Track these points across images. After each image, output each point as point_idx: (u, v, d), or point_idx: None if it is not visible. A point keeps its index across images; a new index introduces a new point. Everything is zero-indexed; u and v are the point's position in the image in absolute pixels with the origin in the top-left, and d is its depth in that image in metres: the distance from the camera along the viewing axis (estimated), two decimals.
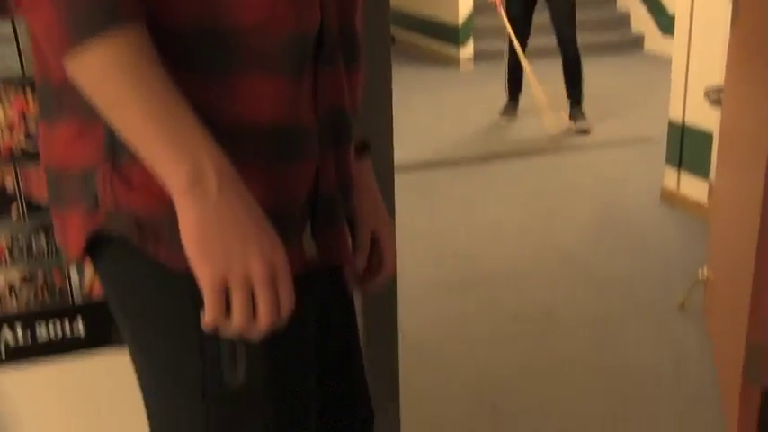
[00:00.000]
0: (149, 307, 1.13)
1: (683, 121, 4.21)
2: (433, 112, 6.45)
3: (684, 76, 4.19)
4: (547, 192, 4.78)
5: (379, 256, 1.36)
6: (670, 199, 4.37)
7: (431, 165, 5.18)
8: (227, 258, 0.95)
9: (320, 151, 1.14)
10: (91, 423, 1.64)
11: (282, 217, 1.08)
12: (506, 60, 5.92)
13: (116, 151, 1.02)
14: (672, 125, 4.32)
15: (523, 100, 6.04)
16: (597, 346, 3.11)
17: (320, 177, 1.14)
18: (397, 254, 1.79)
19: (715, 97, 3.34)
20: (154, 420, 1.22)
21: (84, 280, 1.58)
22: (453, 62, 8.23)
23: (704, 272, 3.23)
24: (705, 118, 3.97)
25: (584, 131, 5.66)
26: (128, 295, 1.16)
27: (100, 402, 1.64)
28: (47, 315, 1.57)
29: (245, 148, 1.05)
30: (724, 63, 3.01)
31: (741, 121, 2.72)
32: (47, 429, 1.63)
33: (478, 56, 8.12)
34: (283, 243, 1.03)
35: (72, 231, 1.10)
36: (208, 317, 0.97)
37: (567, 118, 5.72)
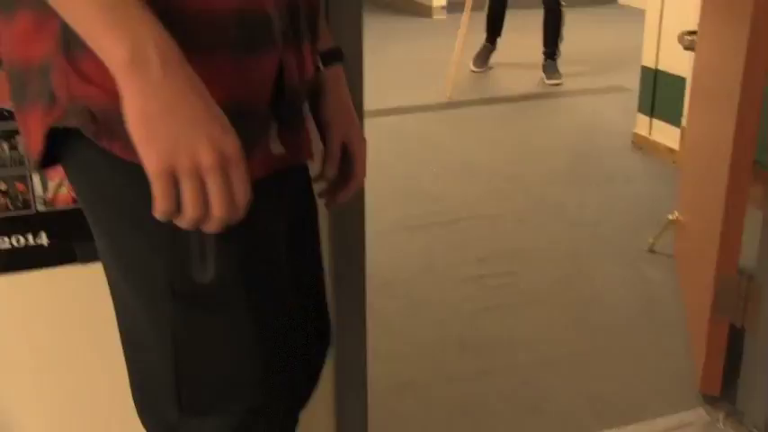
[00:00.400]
0: (115, 204, 1.10)
1: (656, 67, 4.20)
2: (404, 61, 6.39)
3: (658, 21, 4.17)
4: (517, 136, 4.76)
5: (350, 165, 1.33)
6: (641, 145, 4.37)
7: (401, 110, 5.14)
8: (174, 145, 0.91)
9: (282, 46, 1.10)
10: (56, 335, 1.60)
11: (248, 113, 1.05)
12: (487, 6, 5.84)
13: (70, 43, 0.97)
14: (645, 71, 4.30)
15: (497, 53, 5.99)
16: (566, 283, 3.11)
17: (284, 74, 1.11)
18: (365, 193, 1.77)
19: (688, 41, 3.31)
20: (122, 320, 1.20)
21: (47, 190, 1.53)
22: (426, 12, 8.14)
23: (675, 215, 3.23)
24: (678, 63, 3.95)
25: (557, 86, 5.63)
26: (94, 193, 1.12)
27: (64, 316, 1.60)
28: (9, 224, 1.52)
29: (211, 37, 1.01)
30: (698, 10, 2.99)
31: (714, 65, 2.71)
32: (9, 341, 1.59)
33: (451, 6, 8.03)
34: (250, 141, 0.99)
35: (33, 130, 1.06)
36: (156, 207, 0.92)
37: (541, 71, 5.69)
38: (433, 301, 3.00)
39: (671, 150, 4.15)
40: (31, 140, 1.07)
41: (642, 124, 4.36)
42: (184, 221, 0.94)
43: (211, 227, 0.95)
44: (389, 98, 5.21)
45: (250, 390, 1.15)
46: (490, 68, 5.92)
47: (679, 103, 3.99)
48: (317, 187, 1.34)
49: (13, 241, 1.53)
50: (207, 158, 0.92)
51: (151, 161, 0.91)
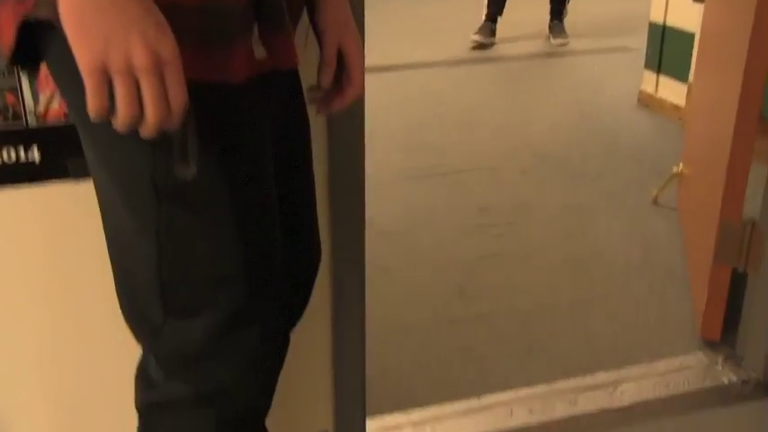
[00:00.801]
0: None
1: (665, 23, 4.14)
2: (407, 21, 6.33)
3: None
4: (522, 94, 4.72)
5: (346, 72, 1.31)
6: (647, 102, 4.33)
7: (404, 66, 5.09)
8: (106, 43, 0.89)
9: None
10: (47, 251, 1.58)
11: (222, 11, 1.03)
12: None
13: None
14: (652, 27, 4.25)
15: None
16: (567, 234, 3.09)
17: None
18: (366, 145, 1.75)
19: None
20: (109, 226, 1.18)
21: (38, 103, 1.50)
22: None
23: (679, 167, 3.20)
24: (686, 19, 3.90)
25: (563, 46, 5.54)
26: (75, 91, 1.10)
27: (56, 232, 1.58)
28: (0, 137, 1.50)
29: None
30: None
31: (722, 19, 2.66)
32: None
33: None
34: (226, 40, 0.98)
35: (5, 23, 1.04)
36: (89, 105, 0.91)
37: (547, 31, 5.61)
38: (432, 250, 2.99)
39: (677, 107, 4.11)
40: (4, 34, 1.04)
41: (648, 81, 4.32)
42: (118, 122, 0.93)
43: (146, 130, 0.94)
44: (392, 54, 5.17)
45: (233, 289, 1.14)
46: (494, 44, 5.55)
47: (687, 59, 3.94)
48: (311, 95, 1.32)
49: (5, 155, 1.50)
50: (140, 58, 0.90)
51: (83, 58, 0.90)
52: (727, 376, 2.30)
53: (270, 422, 1.64)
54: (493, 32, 5.49)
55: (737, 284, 2.38)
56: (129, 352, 1.28)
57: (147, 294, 1.16)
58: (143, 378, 1.24)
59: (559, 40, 5.57)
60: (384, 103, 4.29)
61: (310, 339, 1.86)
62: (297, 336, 1.71)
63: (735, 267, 2.35)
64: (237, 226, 1.12)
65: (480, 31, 5.46)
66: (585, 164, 3.70)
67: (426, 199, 3.37)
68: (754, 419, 2.14)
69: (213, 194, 1.10)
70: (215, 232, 1.13)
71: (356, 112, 1.71)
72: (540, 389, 2.27)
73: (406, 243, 3.03)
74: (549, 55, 5.51)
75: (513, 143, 3.96)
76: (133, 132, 1.02)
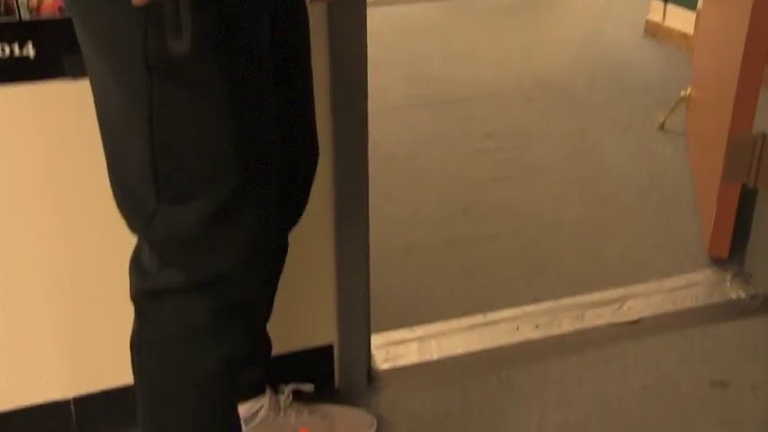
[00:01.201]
0: None
1: None
2: None
3: None
4: (526, 27, 4.64)
5: None
6: (654, 31, 4.26)
7: (408, 0, 5.00)
8: None
9: None
10: (41, 150, 1.55)
11: None
12: None
13: None
14: None
15: None
16: (573, 158, 3.05)
17: None
18: (368, 77, 1.70)
19: None
20: (103, 113, 1.17)
21: None
22: None
23: (687, 90, 3.15)
24: None
25: None
26: None
27: (51, 131, 1.55)
28: None
29: None
30: None
31: None
32: None
33: None
34: None
35: None
36: None
37: None
38: (437, 173, 2.95)
39: (685, 36, 4.04)
40: None
41: (656, 10, 4.24)
42: None
43: None
44: None
45: (226, 174, 1.12)
46: None
47: None
48: None
49: None
50: None
51: None
52: (735, 292, 2.28)
53: (275, 335, 1.63)
54: None
55: (745, 203, 2.34)
56: (126, 246, 1.26)
57: (140, 181, 1.13)
58: (137, 268, 1.22)
59: None
60: (387, 36, 4.22)
61: (314, 253, 1.83)
62: (300, 249, 1.70)
63: (744, 184, 2.31)
64: (231, 107, 1.09)
65: None
66: (591, 92, 3.65)
67: (430, 125, 3.32)
68: (763, 333, 2.12)
69: (206, 73, 1.07)
70: (208, 113, 1.10)
71: (359, 41, 1.66)
72: (546, 305, 2.25)
73: (409, 167, 2.99)
74: None
75: (516, 73, 3.90)
76: (123, 7, 0.99)
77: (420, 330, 2.16)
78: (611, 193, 2.80)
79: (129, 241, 1.26)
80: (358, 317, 1.91)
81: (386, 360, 2.05)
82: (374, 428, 1.80)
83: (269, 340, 1.67)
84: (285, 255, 1.56)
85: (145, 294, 1.21)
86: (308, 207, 1.72)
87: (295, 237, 1.66)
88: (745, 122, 2.23)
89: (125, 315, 1.28)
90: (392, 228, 2.60)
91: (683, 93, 3.17)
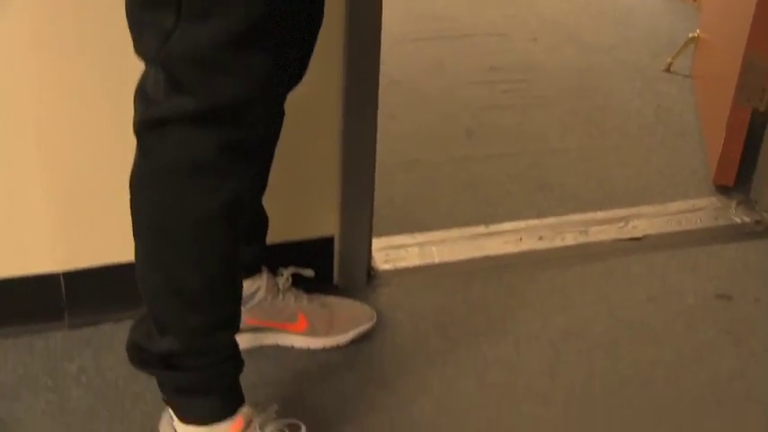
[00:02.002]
0: None
1: None
2: None
3: None
4: None
5: None
6: None
7: None
8: None
9: None
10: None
11: None
12: None
13: None
14: None
15: None
16: (579, 92, 3.01)
17: None
18: None
19: None
20: None
21: None
22: None
23: (696, 32, 3.11)
24: None
25: None
26: None
27: None
28: None
29: None
30: None
31: None
32: None
33: None
34: None
35: None
36: None
37: None
38: (440, 97, 2.90)
39: None
40: None
41: None
42: None
43: None
44: None
45: None
46: None
47: None
48: None
49: None
50: None
51: None
52: (739, 217, 2.26)
53: (276, 224, 1.59)
54: None
55: (753, 132, 2.31)
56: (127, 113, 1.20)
57: None
58: (142, 97, 1.17)
59: None
60: None
61: (319, 145, 1.79)
62: (306, 138, 1.66)
63: (755, 109, 2.27)
64: None
65: None
66: (597, 35, 3.60)
67: (434, 57, 3.27)
68: (767, 255, 2.09)
69: None
70: None
71: None
72: (550, 220, 2.22)
73: (413, 91, 2.94)
74: None
75: (522, 14, 3.84)
76: None
77: (421, 237, 2.12)
78: (617, 125, 2.76)
79: (129, 107, 1.20)
80: (361, 209, 1.87)
81: (386, 261, 2.01)
82: (374, 321, 1.77)
83: (265, 216, 1.63)
84: (282, 120, 1.51)
85: (148, 124, 1.15)
86: (316, 94, 1.68)
87: (301, 126, 1.63)
88: (763, 41, 2.19)
89: (122, 192, 1.22)
90: (395, 143, 2.55)
91: (690, 35, 3.12)
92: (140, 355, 1.31)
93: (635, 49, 3.39)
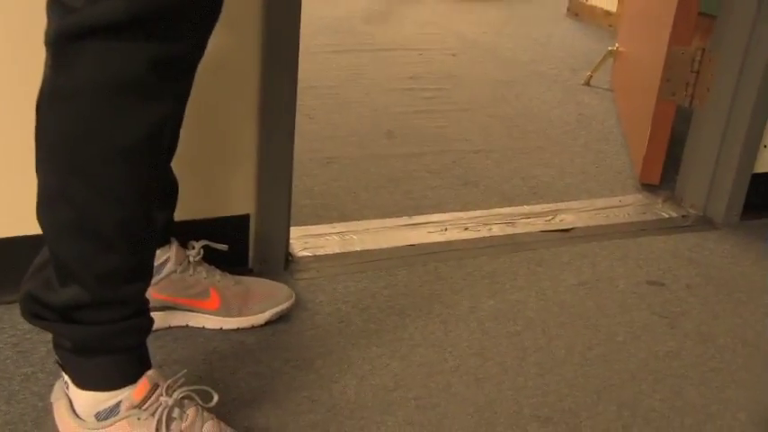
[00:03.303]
0: None
1: None
2: None
3: None
4: None
5: None
6: (577, 11, 4.26)
7: None
8: None
9: None
10: None
11: None
12: None
13: None
14: None
15: None
16: (499, 100, 2.97)
17: None
18: None
19: None
20: None
21: None
22: None
23: (615, 46, 3.12)
24: None
25: None
26: None
27: None
28: None
29: None
30: None
31: None
32: None
33: None
34: None
35: None
36: None
37: None
38: (360, 102, 2.82)
39: (608, 13, 4.04)
40: None
41: None
42: None
43: None
44: None
45: None
46: None
47: None
48: None
49: None
50: None
51: None
52: (666, 212, 2.21)
53: (188, 201, 1.46)
54: None
55: (674, 133, 2.28)
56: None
57: None
58: (58, 4, 1.00)
59: None
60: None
61: (237, 122, 1.67)
62: (224, 113, 1.54)
63: (680, 104, 2.24)
64: None
65: None
66: (515, 52, 3.60)
67: (352, 68, 3.20)
68: (696, 243, 2.05)
69: None
70: None
71: None
72: (476, 213, 2.13)
73: (331, 95, 2.86)
74: None
75: (440, 33, 3.83)
76: None
77: (341, 226, 2.01)
78: (539, 129, 2.72)
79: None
80: (279, 187, 1.75)
81: (304, 249, 1.89)
82: (292, 301, 1.64)
83: (175, 181, 1.50)
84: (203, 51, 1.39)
85: (66, 35, 0.99)
86: (235, 68, 1.58)
87: (219, 99, 1.53)
88: (685, 33, 2.18)
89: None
90: (312, 142, 2.46)
91: (610, 48, 3.13)
92: (36, 308, 1.14)
93: (554, 65, 3.38)
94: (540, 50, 3.61)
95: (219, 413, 1.30)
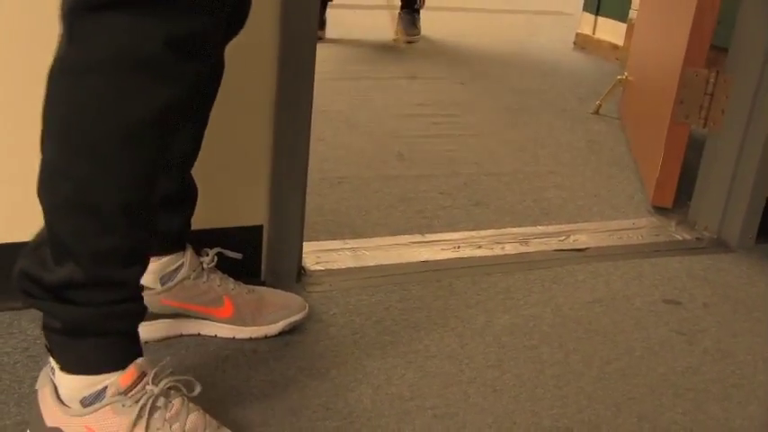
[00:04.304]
0: None
1: None
2: None
3: None
4: (454, 24, 4.58)
5: None
6: (584, 44, 4.28)
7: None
8: None
9: None
10: None
11: None
12: None
13: None
14: None
15: None
16: (509, 126, 2.97)
17: None
18: None
19: None
20: None
21: None
22: None
23: (624, 75, 3.12)
24: None
25: (413, 42, 4.14)
26: None
27: None
28: None
29: None
30: None
31: None
32: None
33: None
34: None
35: None
36: None
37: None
38: (370, 126, 2.82)
39: (615, 47, 4.06)
40: None
41: (586, 23, 4.26)
42: None
43: None
44: None
45: None
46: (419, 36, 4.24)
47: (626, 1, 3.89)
48: None
49: None
50: None
51: None
52: (680, 234, 2.19)
53: (202, 211, 1.45)
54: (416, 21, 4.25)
55: (687, 157, 2.27)
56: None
57: None
58: None
59: (407, 37, 4.13)
60: None
61: (251, 131, 1.67)
62: (238, 119, 1.54)
63: (694, 126, 2.24)
64: None
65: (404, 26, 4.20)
66: (524, 82, 3.60)
67: (360, 94, 3.20)
68: (711, 264, 2.03)
69: None
70: None
71: None
72: (488, 232, 2.11)
73: (341, 119, 2.86)
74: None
75: (448, 62, 3.83)
76: None
77: (353, 243, 1.99)
78: (550, 154, 2.71)
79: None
80: (292, 197, 1.74)
81: (317, 263, 1.87)
82: (306, 312, 1.62)
83: (195, 186, 1.49)
84: (222, 73, 1.39)
85: (83, 5, 0.99)
86: (251, 77, 1.58)
87: (235, 107, 1.56)
88: (699, 55, 2.18)
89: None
90: (322, 163, 2.45)
91: (619, 77, 3.13)
92: (29, 286, 1.12)
93: (562, 95, 3.39)
94: (549, 81, 3.62)
95: (234, 422, 1.28)
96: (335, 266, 1.87)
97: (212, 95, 1.40)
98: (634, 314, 1.77)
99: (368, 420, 1.36)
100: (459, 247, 2.01)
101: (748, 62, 2.07)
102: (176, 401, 1.18)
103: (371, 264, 1.90)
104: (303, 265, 1.82)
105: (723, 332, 1.73)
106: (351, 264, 1.89)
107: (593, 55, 4.19)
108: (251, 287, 1.60)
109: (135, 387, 1.14)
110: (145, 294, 1.38)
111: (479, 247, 2.02)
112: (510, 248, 2.03)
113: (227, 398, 1.38)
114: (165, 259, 1.48)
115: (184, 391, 1.20)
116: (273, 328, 1.57)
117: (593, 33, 4.21)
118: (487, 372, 1.53)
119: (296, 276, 1.78)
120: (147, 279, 1.45)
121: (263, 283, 1.73)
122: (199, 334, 1.55)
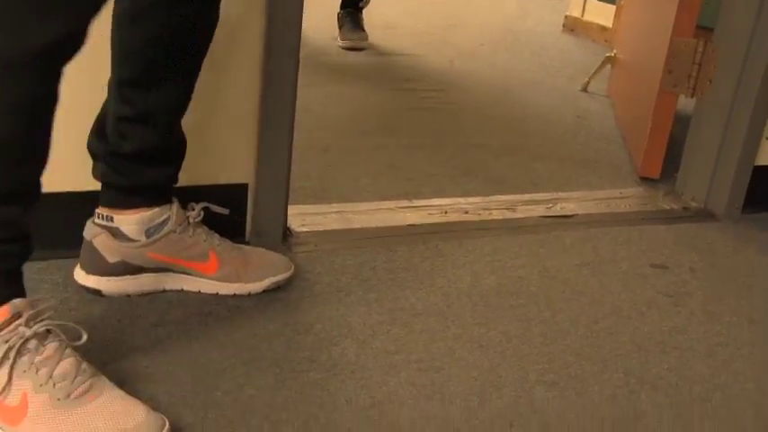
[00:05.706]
0: None
1: None
2: None
3: None
4: (445, 8, 4.55)
5: None
6: (572, 26, 4.26)
7: None
8: None
9: None
10: None
11: None
12: None
13: None
14: None
15: None
16: (497, 103, 2.95)
17: None
18: None
19: None
20: None
21: None
22: None
23: (613, 52, 3.12)
24: None
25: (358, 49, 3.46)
26: None
27: None
28: None
29: None
30: None
31: None
32: None
33: None
34: None
35: None
36: None
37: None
38: (355, 98, 2.80)
39: (604, 28, 4.04)
40: None
41: (575, 5, 4.25)
42: None
43: None
44: None
45: None
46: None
47: None
48: None
49: None
50: None
51: None
52: (668, 204, 2.19)
53: (188, 167, 1.44)
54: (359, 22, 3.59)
55: (674, 129, 2.27)
56: None
57: None
58: None
59: (348, 41, 3.45)
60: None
61: (238, 88, 1.65)
62: (224, 78, 1.53)
63: (682, 96, 2.23)
64: None
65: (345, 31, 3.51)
66: (513, 62, 3.59)
67: (348, 68, 3.18)
68: (699, 232, 2.02)
69: None
70: None
71: None
72: (476, 198, 2.10)
73: (326, 91, 2.83)
74: None
75: (437, 42, 3.81)
76: None
77: (340, 207, 1.98)
78: (538, 129, 2.70)
79: None
80: (278, 155, 1.72)
81: (303, 225, 1.85)
82: (291, 271, 1.60)
83: (183, 138, 1.47)
84: (214, 26, 1.38)
85: None
86: (237, 35, 1.56)
87: (221, 66, 1.56)
88: (685, 31, 2.17)
89: None
90: (309, 132, 2.42)
91: (607, 54, 3.12)
92: None
93: (551, 74, 3.38)
94: (538, 61, 3.61)
95: (217, 371, 1.26)
96: (322, 228, 1.86)
97: (201, 48, 1.39)
98: (621, 277, 1.76)
99: (352, 373, 1.35)
100: (446, 213, 2.00)
101: (736, 33, 2.07)
102: (50, 346, 1.14)
103: (358, 226, 1.89)
104: (289, 226, 1.81)
105: (709, 295, 1.73)
106: (337, 226, 1.88)
107: (582, 37, 4.18)
108: (236, 245, 1.59)
109: (6, 327, 1.11)
110: (131, 246, 1.38)
111: (467, 212, 2.01)
112: (497, 214, 2.02)
113: (209, 349, 1.37)
114: (150, 211, 1.46)
115: (63, 337, 1.17)
116: (258, 286, 1.56)
117: (582, 16, 4.20)
118: (474, 329, 1.52)
119: (281, 237, 1.77)
120: (133, 231, 1.44)
121: (247, 244, 1.72)
122: (182, 289, 1.54)
